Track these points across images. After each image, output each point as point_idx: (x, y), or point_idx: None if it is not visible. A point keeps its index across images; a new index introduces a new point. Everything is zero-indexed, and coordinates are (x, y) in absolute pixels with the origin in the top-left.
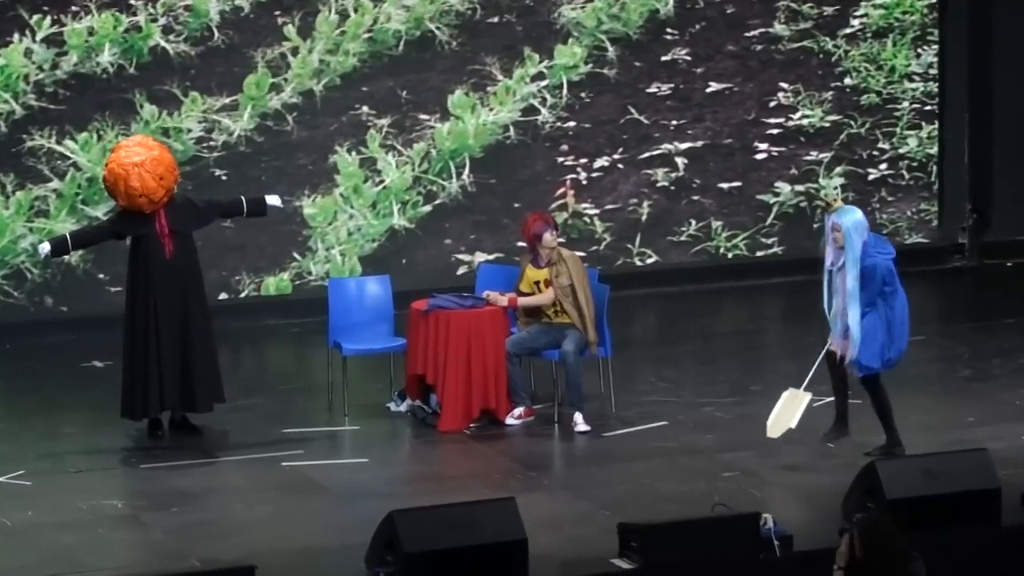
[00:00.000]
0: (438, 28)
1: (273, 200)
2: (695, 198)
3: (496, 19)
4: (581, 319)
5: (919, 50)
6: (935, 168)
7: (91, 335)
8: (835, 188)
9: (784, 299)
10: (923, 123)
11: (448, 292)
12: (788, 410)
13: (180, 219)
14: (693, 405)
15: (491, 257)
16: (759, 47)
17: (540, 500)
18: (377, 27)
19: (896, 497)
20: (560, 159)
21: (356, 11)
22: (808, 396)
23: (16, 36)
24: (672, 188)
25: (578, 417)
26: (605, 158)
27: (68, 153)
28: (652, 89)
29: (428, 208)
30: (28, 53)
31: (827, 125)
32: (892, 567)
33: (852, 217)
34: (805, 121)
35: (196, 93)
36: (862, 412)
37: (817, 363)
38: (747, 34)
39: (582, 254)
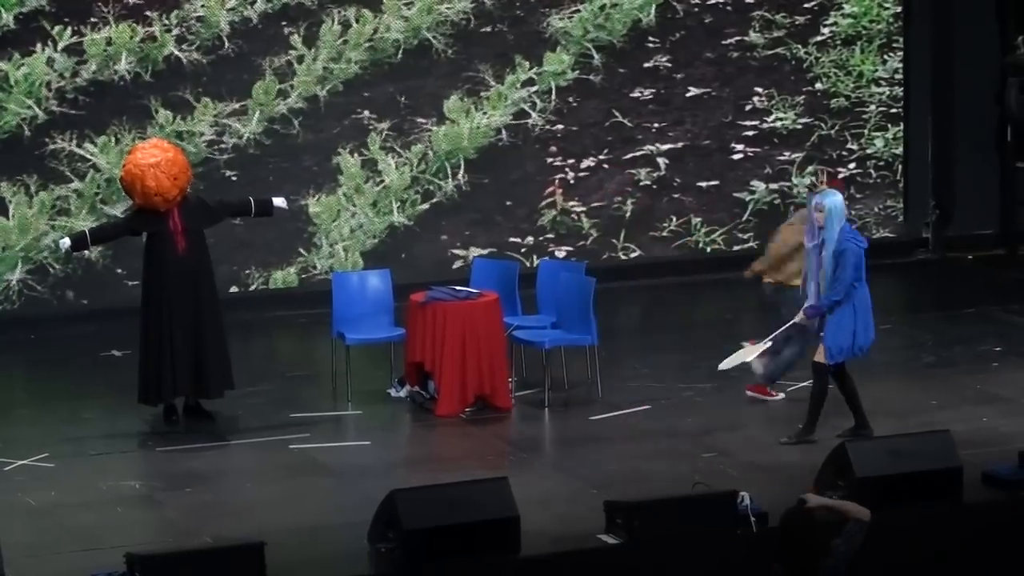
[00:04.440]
0: (435, 37)
1: (279, 201)
2: (676, 196)
3: (489, 29)
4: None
5: (885, 56)
6: (900, 167)
7: (110, 326)
8: (824, 172)
9: (759, 291)
10: (889, 125)
11: (444, 285)
12: (745, 353)
13: (193, 217)
14: (674, 390)
15: (485, 252)
16: (735, 54)
17: (532, 479)
18: (377, 36)
19: (864, 475)
20: (549, 160)
21: (358, 21)
22: (765, 344)
23: (39, 46)
24: (654, 187)
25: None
26: (591, 159)
27: (88, 155)
28: (635, 94)
29: (426, 206)
30: (50, 62)
31: (799, 127)
32: (813, 543)
33: (834, 200)
34: (778, 123)
35: (208, 99)
36: (831, 395)
37: (787, 326)
38: (724, 42)
39: (569, 248)
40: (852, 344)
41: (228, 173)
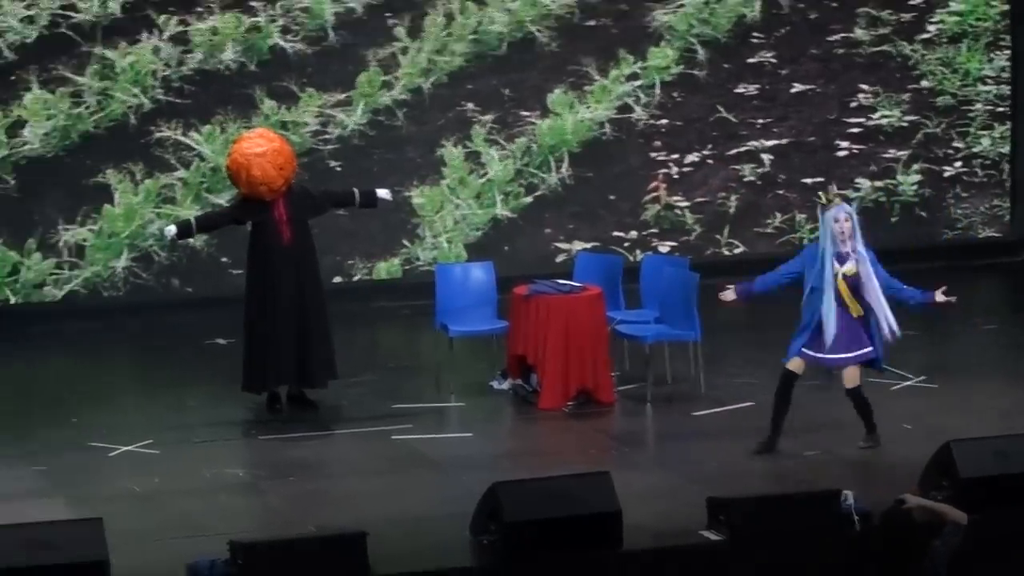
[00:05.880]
0: (539, 30)
1: (383, 193)
2: (780, 192)
3: (593, 22)
4: None
5: (992, 55)
6: (1007, 166)
7: (214, 314)
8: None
9: None
10: (995, 123)
11: (548, 279)
12: None
13: (297, 207)
14: None
15: (588, 246)
16: (841, 51)
17: (634, 475)
18: (482, 29)
19: (969, 476)
20: (653, 154)
21: (462, 14)
22: None
23: (145, 35)
24: (758, 183)
25: None
26: (695, 154)
27: (193, 144)
28: (740, 89)
29: (529, 199)
30: (156, 51)
31: (905, 125)
32: (912, 543)
33: (853, 208)
34: (884, 121)
35: (312, 89)
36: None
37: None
38: (829, 38)
39: (673, 243)
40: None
41: (332, 164)
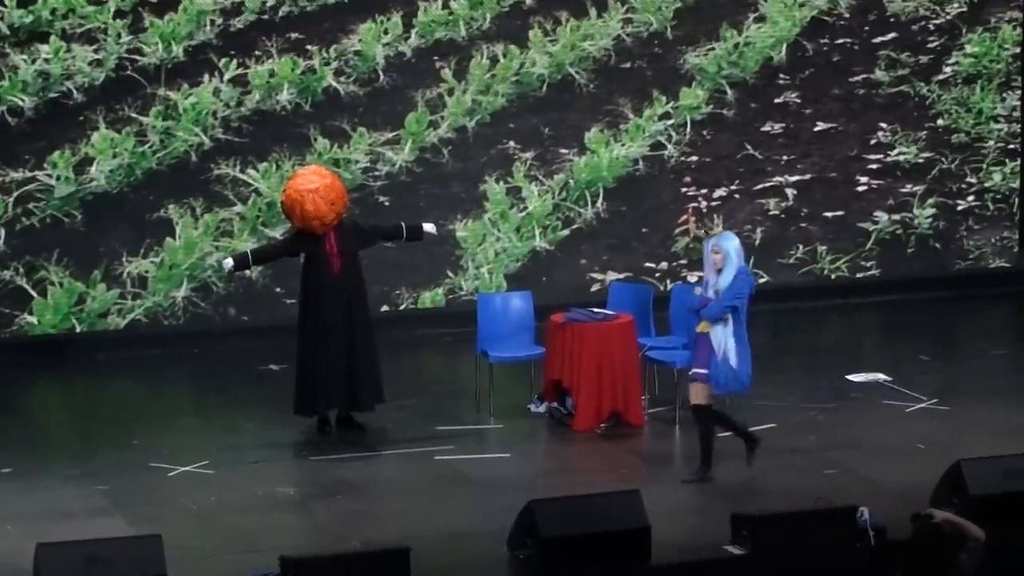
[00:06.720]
0: (577, 72)
1: (429, 227)
2: (803, 225)
3: (628, 65)
4: None
5: (1004, 94)
6: (1017, 200)
7: (268, 342)
8: (717, 217)
9: (881, 315)
10: (1007, 160)
11: (583, 307)
12: None
13: (348, 240)
14: (799, 409)
15: (622, 276)
16: (861, 91)
17: (662, 492)
18: (523, 71)
19: (978, 493)
20: (683, 189)
21: (505, 57)
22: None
23: (206, 77)
24: (782, 216)
25: None
26: (723, 188)
27: (250, 180)
28: (766, 128)
29: (566, 232)
30: (216, 92)
31: (921, 161)
32: (941, 554)
33: (733, 242)
34: (901, 157)
35: (363, 128)
36: (939, 414)
37: None
38: (851, 79)
39: (701, 274)
40: (746, 377)
41: (381, 199)
